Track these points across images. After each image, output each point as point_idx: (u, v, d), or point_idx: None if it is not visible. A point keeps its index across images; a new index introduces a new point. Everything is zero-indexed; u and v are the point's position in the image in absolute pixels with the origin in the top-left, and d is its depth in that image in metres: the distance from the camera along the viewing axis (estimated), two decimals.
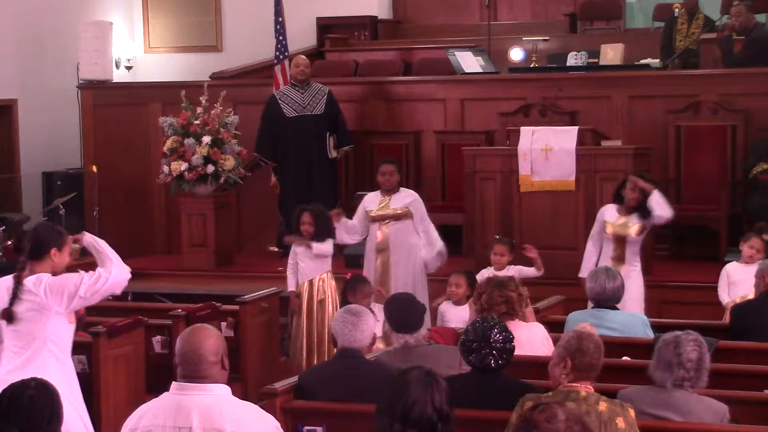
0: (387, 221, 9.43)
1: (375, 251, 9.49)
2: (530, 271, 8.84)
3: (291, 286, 9.04)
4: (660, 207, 8.65)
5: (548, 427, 3.88)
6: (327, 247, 8.90)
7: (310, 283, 8.95)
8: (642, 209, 8.70)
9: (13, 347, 5.77)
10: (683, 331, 5.30)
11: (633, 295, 8.54)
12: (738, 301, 8.20)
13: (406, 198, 9.48)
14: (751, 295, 7.91)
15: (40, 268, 5.82)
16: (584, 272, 8.55)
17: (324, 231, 8.92)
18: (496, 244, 9.01)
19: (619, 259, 8.71)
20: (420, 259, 9.46)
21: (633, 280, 8.60)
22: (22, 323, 5.75)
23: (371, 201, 9.53)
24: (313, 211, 8.99)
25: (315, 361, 8.68)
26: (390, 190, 9.45)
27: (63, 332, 5.82)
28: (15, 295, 5.73)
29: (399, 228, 9.43)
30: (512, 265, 8.85)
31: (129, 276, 6.01)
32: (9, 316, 5.74)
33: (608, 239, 8.77)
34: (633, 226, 8.69)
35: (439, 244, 9.42)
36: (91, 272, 5.82)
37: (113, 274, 5.86)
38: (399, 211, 9.41)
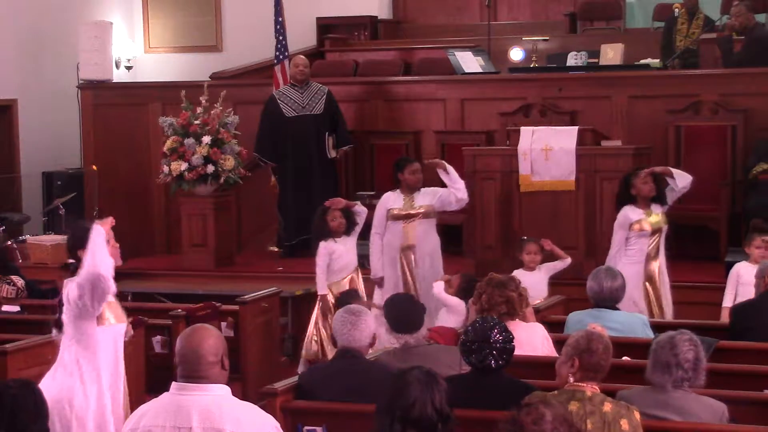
0: (412, 220, 9.34)
1: (400, 250, 9.29)
2: (559, 264, 8.95)
3: (323, 290, 8.84)
4: (682, 177, 8.73)
5: (535, 429, 3.87)
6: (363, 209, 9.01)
7: (338, 284, 8.87)
8: (659, 197, 8.73)
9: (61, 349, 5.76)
10: (677, 331, 5.30)
11: (666, 281, 8.79)
12: None
13: (428, 194, 9.32)
14: None
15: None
16: None
17: (354, 219, 8.96)
18: (526, 244, 9.02)
19: (657, 252, 8.75)
20: (440, 258, 9.42)
21: (665, 267, 8.79)
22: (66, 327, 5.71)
23: (393, 200, 9.33)
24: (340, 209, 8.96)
25: None
26: (414, 189, 9.35)
27: (90, 334, 5.71)
28: (61, 302, 5.66)
29: (424, 228, 9.34)
30: (543, 264, 8.89)
31: (99, 271, 5.50)
32: (58, 324, 5.69)
33: (642, 236, 8.70)
34: (661, 216, 8.75)
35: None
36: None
37: (81, 275, 5.54)
38: (423, 210, 9.31)
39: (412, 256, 9.27)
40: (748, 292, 8.00)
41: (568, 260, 8.97)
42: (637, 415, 4.82)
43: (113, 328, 5.81)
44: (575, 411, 4.75)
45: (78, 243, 5.73)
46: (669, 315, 8.69)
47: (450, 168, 9.23)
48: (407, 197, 9.29)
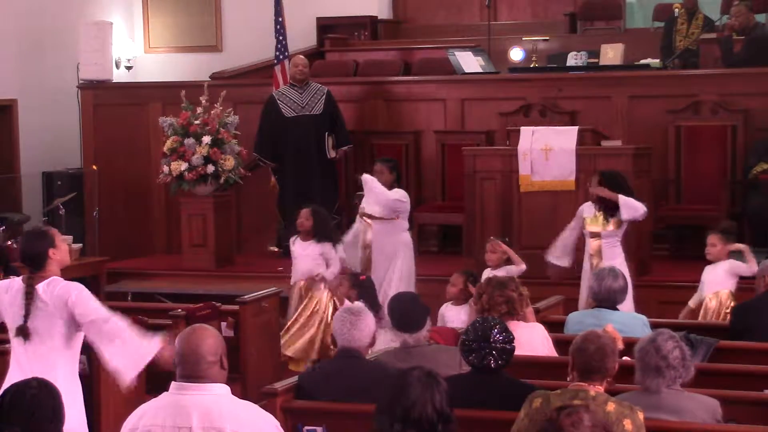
0: (371, 220, 9.49)
1: (363, 247, 9.61)
2: (514, 270, 8.64)
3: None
4: (627, 210, 8.57)
5: (573, 431, 3.88)
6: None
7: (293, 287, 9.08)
8: (608, 205, 8.68)
9: (27, 353, 5.64)
10: (655, 333, 5.29)
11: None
12: (706, 300, 8.35)
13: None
14: (710, 296, 8.27)
15: (47, 274, 5.67)
16: (549, 254, 8.94)
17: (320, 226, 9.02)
18: (487, 243, 9.02)
19: (597, 254, 8.74)
20: (404, 260, 9.46)
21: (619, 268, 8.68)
22: (37, 330, 5.61)
23: None
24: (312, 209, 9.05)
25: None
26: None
27: (74, 336, 5.69)
28: (29, 311, 5.59)
29: (379, 229, 9.47)
30: (505, 266, 8.86)
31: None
32: (24, 332, 5.61)
33: (587, 235, 8.81)
34: (605, 222, 8.71)
35: None
36: (111, 319, 5.62)
37: (111, 357, 5.60)
38: (369, 212, 9.50)
39: (369, 255, 9.48)
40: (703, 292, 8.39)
41: (523, 267, 8.63)
42: (641, 416, 4.79)
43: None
44: None
45: (46, 245, 5.69)
46: None
47: (367, 181, 9.50)
48: None
